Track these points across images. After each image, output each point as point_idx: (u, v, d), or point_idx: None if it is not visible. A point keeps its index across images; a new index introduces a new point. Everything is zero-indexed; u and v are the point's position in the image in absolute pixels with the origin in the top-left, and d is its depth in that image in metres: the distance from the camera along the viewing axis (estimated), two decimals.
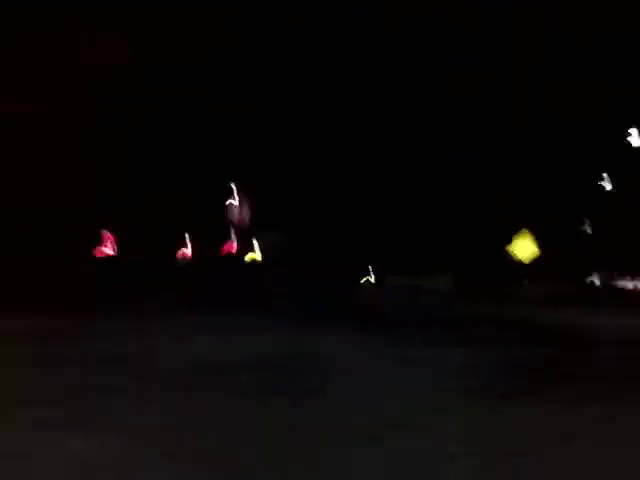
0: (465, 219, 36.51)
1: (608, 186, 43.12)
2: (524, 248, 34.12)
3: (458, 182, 37.46)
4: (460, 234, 35.95)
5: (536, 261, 37.03)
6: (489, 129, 38.10)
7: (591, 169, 41.19)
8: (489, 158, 37.59)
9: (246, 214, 33.79)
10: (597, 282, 49.35)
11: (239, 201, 34.14)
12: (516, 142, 38.43)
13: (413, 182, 36.70)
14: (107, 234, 32.24)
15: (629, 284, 46.16)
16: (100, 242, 32.17)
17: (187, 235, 33.02)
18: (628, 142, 40.21)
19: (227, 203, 34.23)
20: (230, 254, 33.13)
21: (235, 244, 33.46)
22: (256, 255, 33.89)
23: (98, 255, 31.87)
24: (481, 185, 37.18)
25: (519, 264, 35.42)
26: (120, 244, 32.23)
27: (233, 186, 34.24)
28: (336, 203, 36.02)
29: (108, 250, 32.07)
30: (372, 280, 35.84)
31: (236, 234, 33.88)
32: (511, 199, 36.38)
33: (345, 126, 36.29)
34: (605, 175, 41.91)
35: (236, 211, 33.96)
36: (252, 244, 34.29)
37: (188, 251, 32.79)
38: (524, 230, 34.72)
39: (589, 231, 41.82)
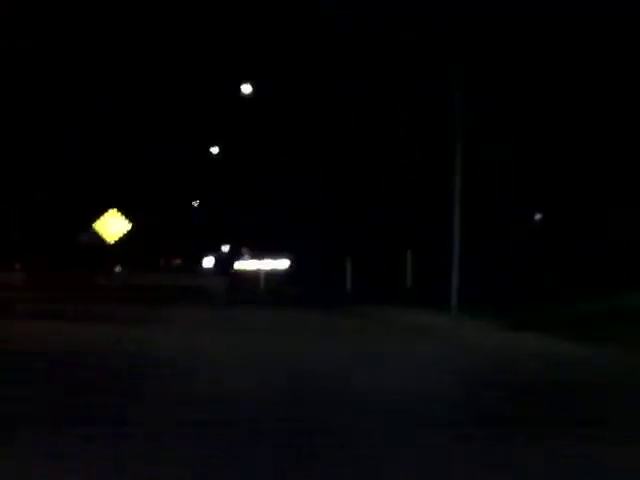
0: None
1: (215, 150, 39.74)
2: (112, 226, 28.93)
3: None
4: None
5: (134, 242, 32.67)
6: None
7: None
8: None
9: None
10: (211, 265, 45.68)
11: None
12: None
13: None
14: None
15: (252, 265, 42.16)
16: None
17: None
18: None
19: None
20: None
21: None
22: None
23: None
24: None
25: (110, 247, 30.26)
26: None
27: None
28: None
29: None
30: None
31: None
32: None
33: None
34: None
35: None
36: None
37: None
38: (112, 208, 29.97)
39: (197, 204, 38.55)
